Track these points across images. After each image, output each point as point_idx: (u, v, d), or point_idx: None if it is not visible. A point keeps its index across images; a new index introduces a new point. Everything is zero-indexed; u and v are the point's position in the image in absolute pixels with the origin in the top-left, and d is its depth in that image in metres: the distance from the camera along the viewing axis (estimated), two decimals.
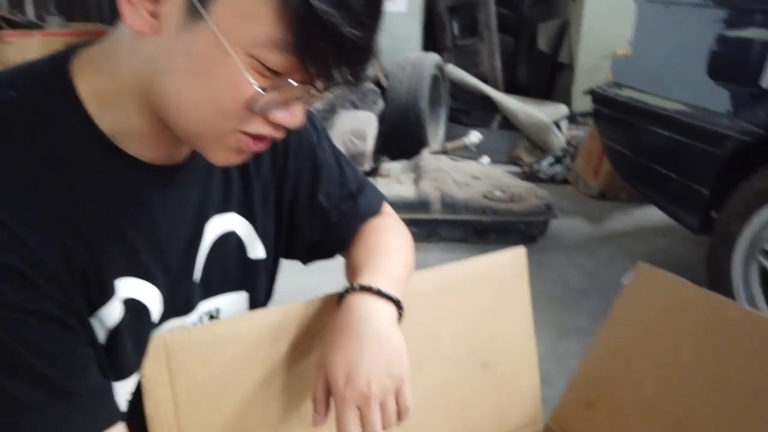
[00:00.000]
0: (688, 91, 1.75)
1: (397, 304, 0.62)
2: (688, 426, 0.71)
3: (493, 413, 0.82)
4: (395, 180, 2.70)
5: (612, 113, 2.14)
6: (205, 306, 0.69)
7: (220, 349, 0.61)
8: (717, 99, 1.64)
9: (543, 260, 2.44)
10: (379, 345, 0.58)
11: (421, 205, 2.48)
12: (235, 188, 0.69)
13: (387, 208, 0.80)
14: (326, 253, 0.77)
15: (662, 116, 1.83)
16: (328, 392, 0.58)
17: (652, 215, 2.82)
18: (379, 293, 0.61)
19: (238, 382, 0.62)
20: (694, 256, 2.27)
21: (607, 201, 3.16)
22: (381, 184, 2.63)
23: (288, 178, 0.72)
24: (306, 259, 0.79)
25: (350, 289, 0.62)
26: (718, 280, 1.64)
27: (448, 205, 2.48)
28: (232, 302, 0.71)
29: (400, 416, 0.59)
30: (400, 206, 2.50)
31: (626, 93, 2.05)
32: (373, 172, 3.01)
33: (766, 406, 0.65)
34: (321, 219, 0.74)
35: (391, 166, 2.89)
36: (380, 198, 0.79)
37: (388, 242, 0.72)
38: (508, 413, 0.83)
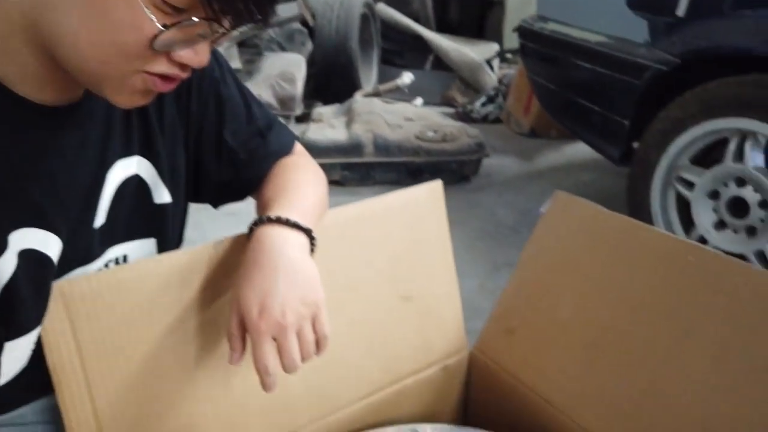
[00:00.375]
0: (609, 22, 1.76)
1: (309, 234, 0.61)
2: (602, 347, 0.74)
3: (418, 345, 0.83)
4: (327, 124, 2.64)
5: (537, 48, 2.15)
6: (111, 254, 0.66)
7: (124, 295, 0.59)
8: (635, 29, 1.66)
9: (476, 199, 2.48)
10: (292, 274, 0.57)
11: (354, 148, 2.45)
12: (137, 130, 0.65)
13: (299, 148, 0.78)
14: (236, 195, 0.75)
15: (584, 48, 1.84)
16: (243, 327, 0.57)
17: (580, 151, 2.89)
18: (288, 223, 0.60)
19: (146, 328, 0.60)
20: (618, 188, 2.35)
21: (538, 138, 3.22)
22: (313, 129, 2.57)
23: (192, 116, 0.69)
24: (216, 202, 0.76)
25: (259, 222, 0.60)
26: (637, 208, 1.71)
27: (381, 147, 2.46)
28: (139, 249, 0.68)
29: (318, 345, 0.59)
30: (332, 150, 2.46)
31: (550, 26, 2.05)
32: (305, 117, 2.94)
33: (676, 324, 0.68)
34: (229, 159, 0.72)
35: (323, 111, 2.83)
36: (291, 137, 0.77)
37: (299, 178, 0.70)
38: (433, 345, 0.84)
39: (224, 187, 0.74)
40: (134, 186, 0.66)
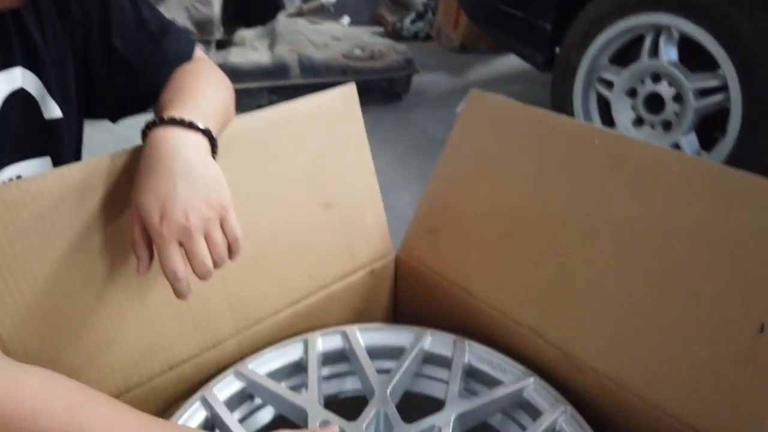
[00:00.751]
0: None
1: (208, 135, 0.58)
2: (515, 237, 0.76)
3: (343, 251, 0.83)
4: (250, 47, 2.53)
5: None
6: (4, 175, 0.62)
7: (17, 214, 0.55)
8: None
9: (407, 116, 2.47)
10: (193, 175, 0.55)
11: (279, 70, 2.37)
12: (16, 40, 0.60)
13: (199, 53, 0.73)
14: (134, 108, 0.71)
15: None
16: (147, 234, 0.55)
17: (509, 63, 2.90)
18: (183, 123, 0.57)
19: (45, 248, 0.57)
20: (546, 97, 2.39)
21: (468, 53, 3.20)
22: (235, 53, 2.46)
23: (74, 22, 0.64)
24: (113, 116, 0.72)
25: (152, 124, 0.57)
26: (561, 110, 1.73)
27: (307, 68, 2.39)
28: (33, 168, 0.65)
29: (231, 249, 0.58)
30: (257, 74, 2.36)
31: None
32: (227, 43, 2.80)
33: (583, 207, 0.71)
34: (122, 67, 0.67)
35: (245, 33, 2.70)
36: (190, 42, 0.73)
37: (198, 81, 0.67)
38: (358, 250, 0.85)
39: (120, 99, 0.70)
40: (21, 101, 0.62)
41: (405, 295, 0.91)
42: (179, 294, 0.55)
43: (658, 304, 0.64)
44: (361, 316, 0.87)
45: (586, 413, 0.66)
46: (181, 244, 0.54)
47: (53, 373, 0.50)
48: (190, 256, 0.54)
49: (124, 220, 0.61)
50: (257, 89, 2.29)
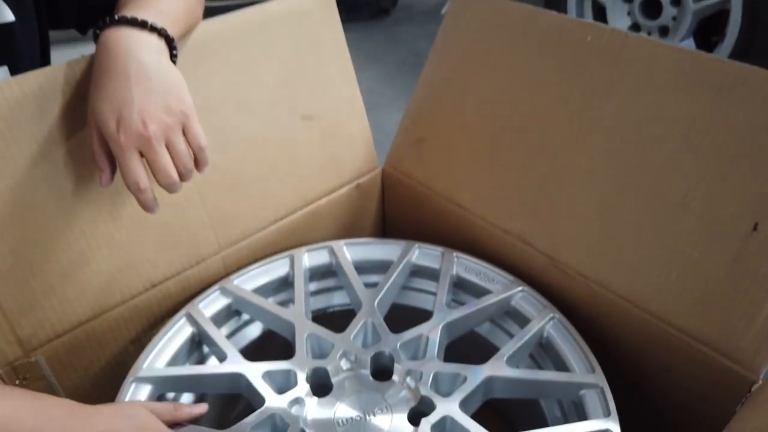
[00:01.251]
0: None
1: (166, 37, 0.54)
2: (503, 143, 0.74)
3: (327, 165, 0.80)
4: None
5: None
6: None
7: None
8: None
9: (396, 32, 2.37)
10: (149, 79, 0.51)
11: None
12: None
13: None
14: (100, 14, 0.65)
15: None
16: (106, 143, 0.52)
17: None
18: (135, 23, 0.52)
19: (8, 158, 0.54)
20: (537, 4, 2.29)
21: None
22: None
23: None
24: (81, 25, 0.67)
25: (103, 24, 0.53)
26: None
27: None
28: None
29: (197, 159, 0.55)
30: None
31: None
32: None
33: (573, 106, 0.67)
34: None
35: None
36: None
37: None
38: (343, 164, 0.82)
39: (85, 6, 0.65)
40: None
41: (393, 209, 0.89)
42: (145, 206, 0.53)
43: (648, 207, 0.62)
44: (348, 231, 0.85)
45: (574, 319, 0.66)
46: (142, 154, 0.51)
47: None
48: (152, 167, 0.51)
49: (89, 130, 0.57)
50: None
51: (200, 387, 0.63)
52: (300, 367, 0.62)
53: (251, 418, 0.57)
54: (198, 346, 0.68)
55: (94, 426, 0.49)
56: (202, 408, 0.59)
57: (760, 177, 0.56)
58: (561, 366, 0.63)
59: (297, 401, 0.59)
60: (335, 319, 0.72)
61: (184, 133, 0.53)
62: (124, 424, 0.51)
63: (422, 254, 0.76)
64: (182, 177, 0.54)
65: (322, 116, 0.78)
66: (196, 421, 0.58)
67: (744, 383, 0.56)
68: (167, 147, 0.52)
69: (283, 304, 0.72)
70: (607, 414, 0.56)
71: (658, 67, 0.61)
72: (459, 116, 0.78)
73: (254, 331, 0.74)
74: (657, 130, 0.62)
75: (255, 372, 0.61)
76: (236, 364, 0.62)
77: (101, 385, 0.66)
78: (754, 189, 0.56)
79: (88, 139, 0.53)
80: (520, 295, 0.69)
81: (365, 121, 0.83)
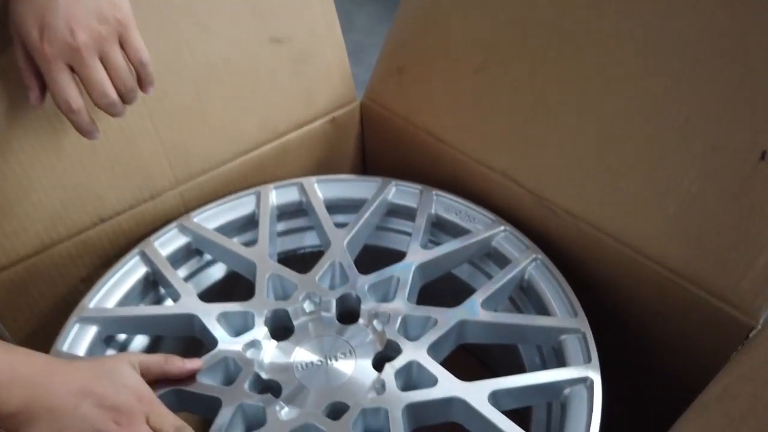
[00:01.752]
0: None
1: None
2: (490, 70, 0.67)
3: (298, 96, 0.74)
4: None
5: None
6: None
7: None
8: None
9: None
10: None
11: None
12: None
13: None
14: None
15: None
16: (32, 57, 0.46)
17: None
18: None
19: None
20: None
21: None
22: None
23: None
24: None
25: None
26: None
27: None
28: None
29: (139, 76, 0.49)
30: None
31: None
32: None
33: (566, 29, 0.60)
34: None
35: None
36: None
37: None
38: (316, 95, 0.76)
39: None
40: None
41: (373, 145, 0.83)
42: (81, 130, 0.48)
43: (645, 136, 0.56)
44: (324, 168, 0.79)
45: (560, 261, 0.61)
46: (72, 69, 0.45)
47: None
48: (84, 83, 0.46)
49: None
50: None
51: (151, 328, 0.59)
52: (258, 309, 0.57)
53: (200, 362, 0.53)
54: (153, 286, 0.63)
55: (67, 384, 0.43)
56: (195, 363, 0.51)
57: None
58: (542, 310, 0.58)
59: (253, 344, 0.55)
60: (306, 261, 0.67)
61: (122, 46, 0.47)
62: (102, 383, 0.45)
63: (399, 192, 0.70)
64: (123, 97, 0.48)
65: (293, 40, 0.71)
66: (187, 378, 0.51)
67: (742, 328, 0.51)
68: (102, 61, 0.46)
69: (248, 244, 0.67)
70: (587, 360, 0.51)
71: None
72: (442, 42, 0.71)
73: (217, 272, 0.69)
74: (659, 48, 0.55)
75: (210, 313, 0.57)
76: (189, 305, 0.57)
77: (50, 325, 0.61)
78: (763, 114, 0.50)
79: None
80: (502, 236, 0.64)
81: (343, 50, 0.76)
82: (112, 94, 0.47)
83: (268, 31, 0.69)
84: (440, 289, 0.64)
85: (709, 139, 0.52)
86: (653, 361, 0.59)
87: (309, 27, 0.72)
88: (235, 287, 0.68)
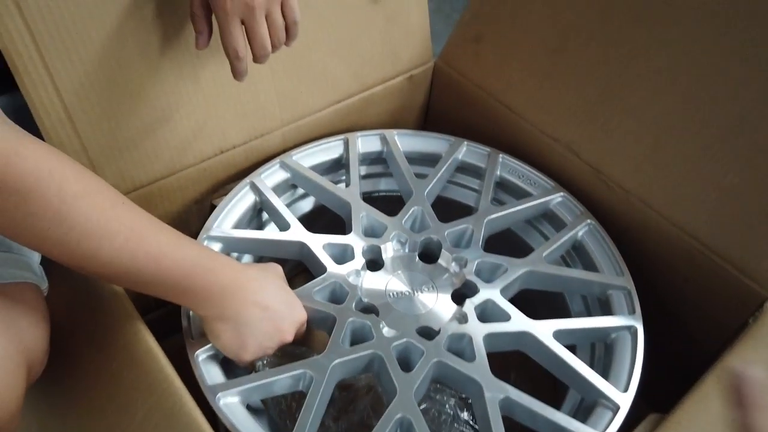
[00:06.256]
0: None
1: None
2: (566, 51, 0.75)
3: (385, 53, 0.81)
4: None
5: None
6: None
7: None
8: None
9: None
10: None
11: None
12: None
13: None
14: None
15: None
16: (207, 6, 0.53)
17: None
18: None
19: (102, 12, 0.54)
20: None
21: None
22: None
23: None
24: None
25: None
26: None
27: None
28: None
29: (288, 32, 0.56)
30: None
31: None
32: None
33: (644, 28, 0.69)
34: None
35: None
36: None
37: None
38: (400, 53, 0.83)
39: None
40: None
41: (439, 104, 0.91)
42: (237, 73, 0.55)
43: (700, 129, 0.65)
44: (394, 120, 0.88)
45: (609, 228, 0.71)
46: (242, 22, 0.53)
47: (61, 154, 0.43)
48: (250, 36, 0.53)
49: None
50: None
51: (265, 250, 0.68)
52: (356, 243, 0.67)
53: (315, 283, 0.62)
54: (258, 213, 0.72)
55: (255, 294, 0.52)
56: None
57: None
58: (590, 267, 0.69)
59: (355, 272, 0.65)
60: (379, 203, 0.76)
61: (282, 6, 0.54)
62: (277, 300, 0.54)
63: (469, 152, 0.79)
64: (273, 48, 0.55)
65: (388, 1, 0.78)
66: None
67: (757, 298, 0.62)
68: (266, 18, 0.53)
69: (336, 183, 0.76)
70: (632, 312, 0.63)
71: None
72: (524, 17, 0.79)
73: (305, 206, 0.78)
74: (724, 56, 0.64)
75: (317, 242, 0.66)
76: (300, 234, 0.66)
77: None
78: None
79: (189, 3, 0.54)
80: (558, 200, 0.74)
81: (426, 12, 0.83)
82: (269, 46, 0.55)
83: None
84: (497, 239, 0.74)
85: (754, 140, 0.62)
86: (680, 320, 0.71)
87: None
88: (318, 219, 0.77)
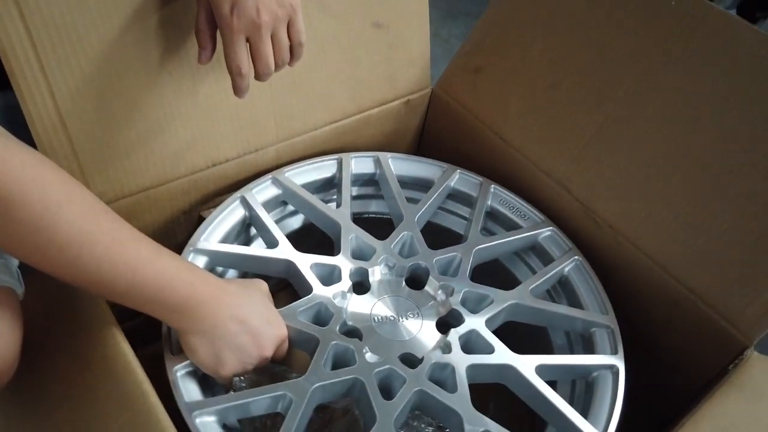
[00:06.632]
0: None
1: None
2: (564, 88, 0.76)
3: (384, 77, 0.82)
4: None
5: None
6: None
7: None
8: None
9: None
10: None
11: None
12: None
13: None
14: None
15: None
16: (212, 23, 0.53)
17: None
18: None
19: (102, 17, 0.54)
20: None
21: None
22: None
23: None
24: None
25: None
26: None
27: None
28: None
29: (293, 53, 0.57)
30: None
31: None
32: None
33: (641, 66, 0.70)
34: None
35: None
36: None
37: None
38: (399, 77, 0.83)
39: None
40: None
41: (434, 130, 0.92)
42: (239, 90, 0.55)
43: (692, 176, 0.66)
44: (389, 142, 0.88)
45: (595, 266, 0.72)
46: (247, 40, 0.53)
47: (46, 161, 0.42)
48: (255, 54, 0.53)
49: (182, 2, 0.58)
50: None
51: (251, 266, 0.67)
52: (344, 265, 0.67)
53: (300, 303, 0.62)
54: (246, 228, 0.71)
55: (231, 309, 0.51)
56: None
57: None
58: (575, 304, 0.69)
59: (340, 294, 0.64)
60: (368, 225, 0.76)
61: (288, 26, 0.54)
62: (255, 315, 0.53)
63: (462, 180, 0.80)
64: (276, 68, 0.55)
65: (391, 26, 0.78)
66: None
67: (738, 346, 0.63)
68: (271, 37, 0.53)
69: (327, 203, 0.76)
70: (615, 352, 0.63)
71: (734, 46, 0.64)
72: (522, 51, 0.80)
73: (294, 223, 0.78)
74: (718, 103, 0.65)
75: (304, 262, 0.65)
76: (288, 252, 0.66)
77: None
78: None
79: (195, 16, 0.54)
80: (547, 234, 0.74)
81: (427, 38, 0.84)
82: (272, 65, 0.55)
83: (373, 15, 0.76)
84: (486, 270, 0.74)
85: (747, 187, 0.63)
86: (661, 362, 0.71)
87: (405, 16, 0.80)
88: (306, 238, 0.77)
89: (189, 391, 0.53)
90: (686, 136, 0.67)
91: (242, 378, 0.64)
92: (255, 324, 0.53)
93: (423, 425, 0.66)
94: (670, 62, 0.68)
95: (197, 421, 0.50)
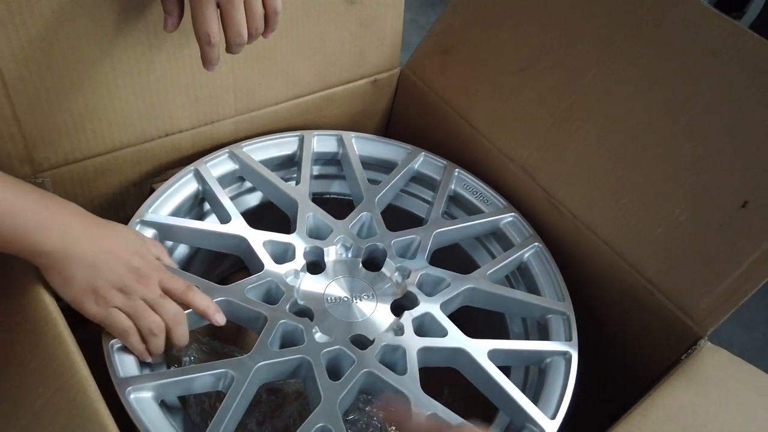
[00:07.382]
0: None
1: None
2: (533, 72, 0.75)
3: (352, 55, 0.79)
4: None
5: None
6: None
7: None
8: None
9: None
10: None
11: None
12: None
13: None
14: None
15: None
16: None
17: None
18: None
19: None
20: None
21: None
22: None
23: None
24: None
25: None
26: None
27: None
28: None
29: (268, 21, 0.54)
30: None
31: None
32: None
33: (610, 52, 0.69)
34: None
35: None
36: None
37: None
38: (367, 55, 0.81)
39: None
40: None
41: (401, 112, 0.90)
42: (207, 61, 0.52)
43: (653, 167, 0.66)
44: (355, 123, 0.86)
45: (555, 252, 0.71)
46: (217, 6, 0.50)
47: None
48: (226, 22, 0.50)
49: None
50: None
51: (201, 241, 0.65)
52: (298, 243, 0.65)
53: (250, 281, 0.60)
54: (200, 203, 0.69)
55: (100, 239, 0.49)
56: (219, 319, 0.55)
57: (762, 160, 0.60)
58: (532, 290, 0.68)
59: (293, 273, 0.63)
60: (329, 205, 0.75)
61: None
62: (128, 249, 0.51)
63: (426, 162, 0.78)
64: (249, 38, 0.53)
65: (364, 3, 0.76)
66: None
67: (692, 336, 0.63)
68: (244, 5, 0.50)
69: (286, 180, 0.74)
70: (569, 339, 0.62)
71: (701, 36, 0.63)
72: (493, 34, 0.78)
73: (252, 200, 0.76)
74: (681, 95, 0.64)
75: (257, 239, 0.64)
76: (240, 228, 0.64)
77: None
78: (753, 170, 0.60)
79: None
80: (509, 220, 0.74)
81: (400, 19, 0.82)
82: (245, 35, 0.52)
83: None
84: (447, 254, 0.73)
85: (705, 179, 0.63)
86: (616, 351, 0.71)
87: None
88: (264, 216, 0.75)
89: (125, 365, 0.50)
90: (650, 126, 0.66)
91: (192, 358, 0.62)
92: (127, 255, 0.51)
93: (374, 410, 0.65)
94: (636, 51, 0.67)
95: (131, 397, 0.48)
